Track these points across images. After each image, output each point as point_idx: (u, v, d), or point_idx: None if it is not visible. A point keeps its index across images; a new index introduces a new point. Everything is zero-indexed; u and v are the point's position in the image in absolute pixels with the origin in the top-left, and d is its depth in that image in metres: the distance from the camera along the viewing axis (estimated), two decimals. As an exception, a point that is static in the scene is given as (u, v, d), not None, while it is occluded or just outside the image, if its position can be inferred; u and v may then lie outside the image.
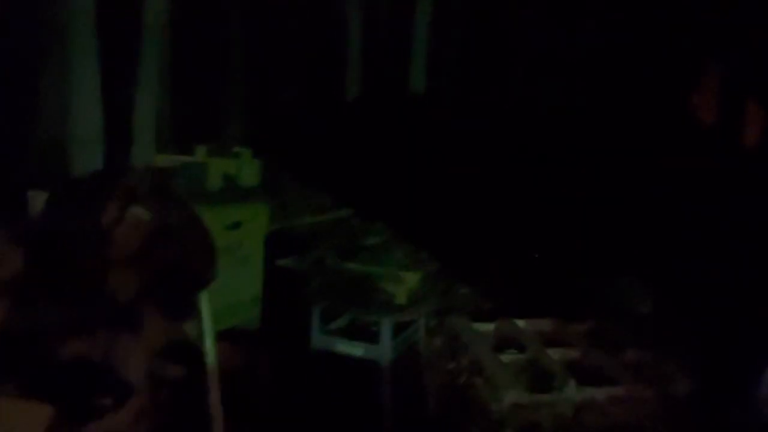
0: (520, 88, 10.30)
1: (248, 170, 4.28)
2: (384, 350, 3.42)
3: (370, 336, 3.55)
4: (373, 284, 3.58)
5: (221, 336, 3.92)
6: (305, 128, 9.39)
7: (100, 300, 3.50)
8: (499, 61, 10.88)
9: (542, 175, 7.01)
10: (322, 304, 3.58)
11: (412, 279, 3.65)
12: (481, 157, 7.57)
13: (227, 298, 3.70)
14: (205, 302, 3.07)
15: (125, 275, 3.53)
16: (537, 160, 7.34)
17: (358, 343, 3.51)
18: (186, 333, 3.34)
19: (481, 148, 7.85)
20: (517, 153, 7.55)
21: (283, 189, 6.45)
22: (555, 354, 4.18)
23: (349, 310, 3.63)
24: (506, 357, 4.21)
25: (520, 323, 4.59)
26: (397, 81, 11.21)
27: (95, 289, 3.53)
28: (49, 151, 8.61)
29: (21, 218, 3.35)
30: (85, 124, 7.88)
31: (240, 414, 3.49)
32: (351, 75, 12.00)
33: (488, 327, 4.59)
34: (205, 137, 5.29)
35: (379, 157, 7.49)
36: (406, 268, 3.99)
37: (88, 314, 3.45)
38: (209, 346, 3.09)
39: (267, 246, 3.93)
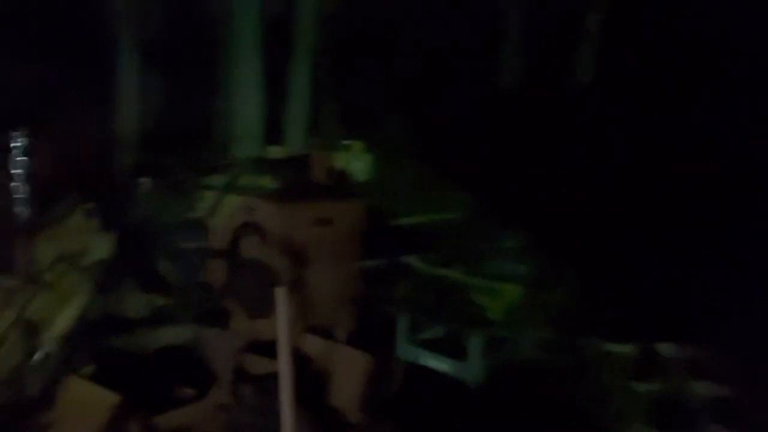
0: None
1: (357, 164, 4.16)
2: (472, 368, 3.08)
3: (460, 351, 3.22)
4: (464, 295, 3.25)
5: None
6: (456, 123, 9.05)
7: (194, 291, 3.61)
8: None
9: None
10: (407, 312, 3.33)
11: (511, 292, 3.24)
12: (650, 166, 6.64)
13: (315, 296, 3.60)
14: (283, 299, 2.94)
15: (217, 267, 3.60)
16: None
17: (445, 359, 3.21)
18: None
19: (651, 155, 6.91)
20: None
21: (403, 186, 6.21)
22: (701, 388, 3.52)
23: (435, 321, 3.34)
24: (642, 386, 3.63)
25: (664, 347, 3.93)
26: (559, 74, 10.42)
27: (189, 280, 3.66)
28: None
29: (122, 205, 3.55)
30: (245, 121, 8.32)
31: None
32: (508, 66, 11.43)
33: (623, 348, 3.99)
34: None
35: (521, 156, 6.93)
36: (506, 279, 3.57)
37: (179, 304, 3.58)
38: (284, 344, 2.95)
39: (364, 245, 3.75)
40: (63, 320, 2.84)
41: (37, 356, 2.76)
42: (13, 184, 2.65)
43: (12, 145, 2.58)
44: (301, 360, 3.98)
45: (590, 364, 3.82)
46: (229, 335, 3.45)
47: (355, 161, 4.20)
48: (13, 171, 2.64)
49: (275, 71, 8.68)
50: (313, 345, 3.98)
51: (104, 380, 2.90)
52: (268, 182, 3.77)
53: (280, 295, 2.98)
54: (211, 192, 3.47)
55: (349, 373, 3.86)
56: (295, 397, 2.97)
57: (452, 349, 3.30)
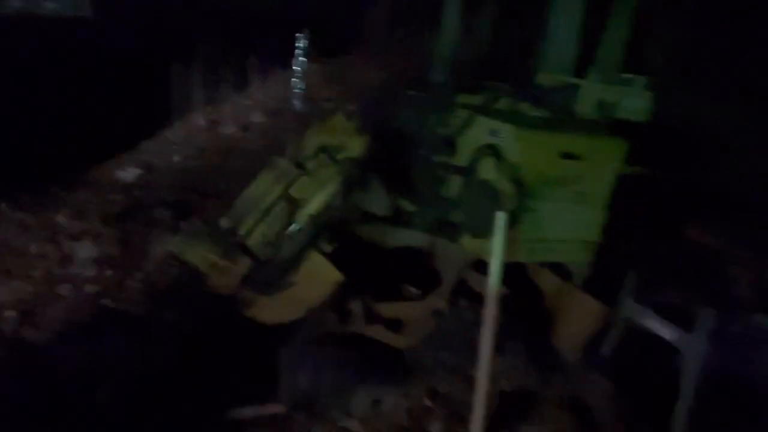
0: None
1: (631, 102, 3.76)
2: (696, 344, 2.70)
3: (686, 321, 2.83)
4: (720, 264, 2.78)
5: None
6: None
7: (434, 202, 3.80)
8: None
9: None
10: (642, 269, 3.00)
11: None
12: None
13: (553, 231, 3.50)
14: (502, 224, 2.96)
15: (456, 184, 3.72)
16: None
17: (670, 325, 2.86)
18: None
19: None
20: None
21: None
22: None
23: (671, 286, 2.95)
24: None
25: None
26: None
27: (431, 191, 3.85)
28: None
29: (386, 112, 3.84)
30: (559, 55, 8.10)
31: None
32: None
33: None
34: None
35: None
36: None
37: (419, 211, 3.82)
38: (496, 267, 3.00)
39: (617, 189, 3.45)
40: (316, 202, 3.34)
41: (292, 227, 3.32)
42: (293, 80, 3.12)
43: (296, 45, 3.01)
44: (532, 292, 4.00)
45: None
46: (458, 249, 3.61)
47: (633, 98, 3.80)
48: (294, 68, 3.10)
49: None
50: (548, 281, 3.93)
51: (340, 261, 3.37)
52: (527, 108, 3.69)
53: (500, 219, 3.01)
54: (466, 111, 3.55)
55: (578, 318, 3.75)
56: (499, 321, 3.03)
57: (682, 317, 2.93)
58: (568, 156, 3.33)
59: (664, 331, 2.91)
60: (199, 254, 3.16)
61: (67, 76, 7.13)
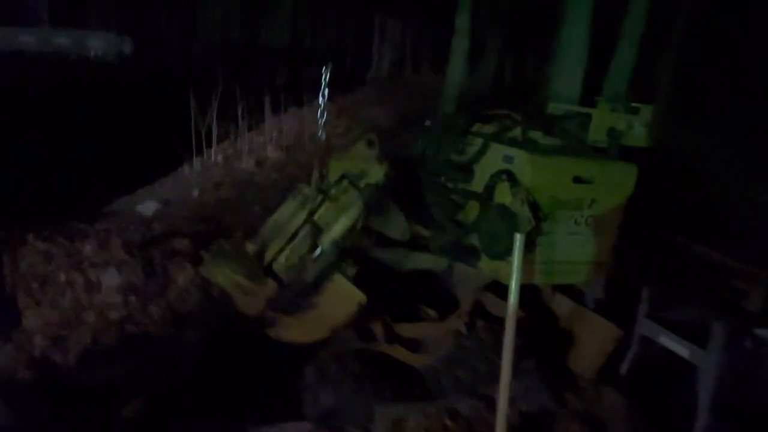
0: None
1: (639, 129, 3.90)
2: (710, 360, 2.76)
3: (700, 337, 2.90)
4: (726, 279, 2.87)
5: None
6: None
7: (450, 227, 3.91)
8: None
9: None
10: (654, 286, 3.09)
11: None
12: None
13: (566, 254, 3.60)
14: (519, 246, 3.06)
15: (472, 208, 3.84)
16: None
17: (684, 342, 2.93)
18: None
19: None
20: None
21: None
22: None
23: (683, 302, 3.02)
24: None
25: None
26: None
27: (448, 216, 3.97)
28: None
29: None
30: (568, 84, 8.31)
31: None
32: None
33: None
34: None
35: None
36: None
37: (436, 235, 3.93)
38: (514, 288, 3.09)
39: (628, 212, 3.56)
40: (339, 227, 3.46)
41: (316, 252, 3.44)
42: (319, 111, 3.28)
43: (322, 77, 3.18)
44: (547, 316, 4.07)
45: None
46: (475, 272, 3.71)
47: (641, 126, 3.94)
48: (320, 101, 3.26)
49: (602, 31, 8.44)
50: (561, 305, 4.01)
51: (362, 283, 3.47)
52: (538, 136, 3.83)
53: (518, 241, 3.11)
54: (481, 139, 3.69)
55: (592, 341, 3.81)
56: (516, 343, 3.10)
57: (696, 333, 3.00)
58: (579, 180, 3.46)
59: (680, 347, 2.98)
60: (227, 276, 3.27)
61: (94, 115, 7.37)
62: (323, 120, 3.26)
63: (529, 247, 3.24)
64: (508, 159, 3.45)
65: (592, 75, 8.35)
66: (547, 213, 3.40)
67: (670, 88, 10.38)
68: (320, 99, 3.25)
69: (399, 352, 3.39)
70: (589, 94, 8.30)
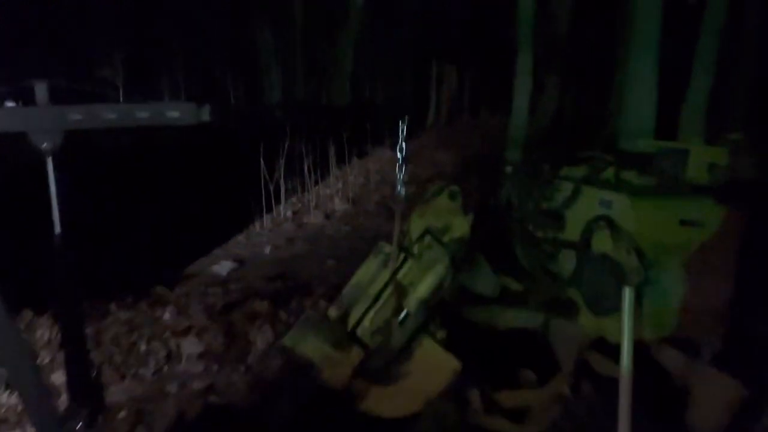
0: None
1: (741, 161, 3.57)
2: None
3: None
4: None
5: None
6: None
7: (544, 279, 3.65)
8: None
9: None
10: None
11: None
12: None
13: (675, 303, 3.28)
14: (629, 299, 2.78)
15: (568, 258, 3.56)
16: None
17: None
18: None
19: None
20: None
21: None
22: None
23: None
24: None
25: None
26: None
27: (541, 268, 3.70)
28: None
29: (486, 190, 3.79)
30: (639, 117, 7.97)
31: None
32: None
33: None
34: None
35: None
36: None
37: (529, 290, 3.66)
38: (627, 346, 2.79)
39: (744, 255, 3.21)
40: (425, 286, 3.25)
41: (402, 315, 3.23)
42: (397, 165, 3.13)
43: (399, 130, 3.04)
44: (658, 372, 3.70)
45: None
46: (575, 328, 3.42)
47: (737, 158, 3.61)
48: (398, 155, 3.11)
49: (672, 64, 8.11)
50: (673, 359, 3.65)
51: (452, 347, 3.23)
52: (632, 177, 3.56)
53: (627, 294, 2.83)
54: (570, 183, 3.46)
55: (712, 398, 3.43)
56: (633, 405, 2.80)
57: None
58: (686, 223, 3.15)
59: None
60: (314, 346, 3.10)
61: (170, 181, 7.57)
62: (402, 175, 3.09)
63: (636, 299, 2.94)
64: (606, 204, 3.19)
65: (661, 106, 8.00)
66: (652, 261, 3.11)
67: (748, 114, 9.84)
68: (398, 154, 3.09)
69: (501, 425, 3.10)
70: (665, 127, 7.93)
